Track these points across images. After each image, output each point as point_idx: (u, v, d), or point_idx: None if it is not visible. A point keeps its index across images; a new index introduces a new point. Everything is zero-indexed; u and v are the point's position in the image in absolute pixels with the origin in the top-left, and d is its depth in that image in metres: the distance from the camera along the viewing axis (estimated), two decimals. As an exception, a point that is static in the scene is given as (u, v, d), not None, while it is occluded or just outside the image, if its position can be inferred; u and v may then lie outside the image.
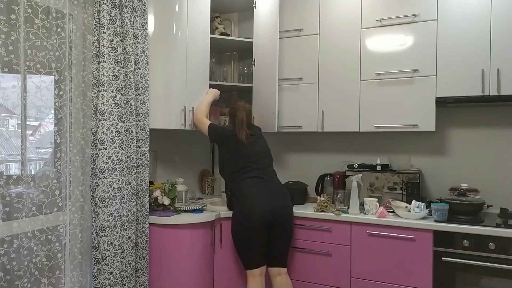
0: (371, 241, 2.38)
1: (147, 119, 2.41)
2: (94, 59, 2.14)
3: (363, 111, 2.67)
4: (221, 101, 3.36)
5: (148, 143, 2.42)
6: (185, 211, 2.55)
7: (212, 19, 3.15)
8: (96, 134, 2.13)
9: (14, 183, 1.83)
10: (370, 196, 2.59)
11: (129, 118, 2.30)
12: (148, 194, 2.43)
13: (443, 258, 2.19)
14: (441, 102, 2.47)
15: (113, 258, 2.17)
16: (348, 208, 2.50)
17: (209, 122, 2.65)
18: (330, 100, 2.78)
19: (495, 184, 2.60)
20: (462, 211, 2.29)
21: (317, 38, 2.82)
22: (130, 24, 2.27)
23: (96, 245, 2.13)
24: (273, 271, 2.39)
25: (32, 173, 1.94)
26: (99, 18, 2.13)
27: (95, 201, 2.13)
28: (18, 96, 1.85)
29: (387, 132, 2.86)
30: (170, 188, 2.62)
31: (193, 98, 2.71)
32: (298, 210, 2.59)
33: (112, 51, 2.17)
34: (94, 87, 2.14)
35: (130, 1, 2.28)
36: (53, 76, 2.00)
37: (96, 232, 2.13)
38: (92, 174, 2.14)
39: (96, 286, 2.13)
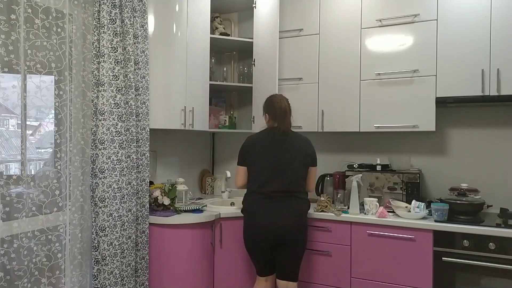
0: (371, 241, 2.38)
1: (147, 119, 2.41)
2: (94, 59, 2.14)
3: (363, 111, 2.67)
4: (221, 101, 3.37)
5: (148, 143, 2.42)
6: (185, 211, 2.55)
7: (212, 19, 3.15)
8: (96, 134, 2.13)
9: (14, 183, 1.83)
10: (370, 196, 2.59)
11: (129, 118, 2.30)
12: (148, 194, 2.43)
13: (443, 258, 2.19)
14: (441, 102, 2.47)
15: (113, 258, 2.17)
16: (348, 208, 2.50)
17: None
18: (330, 100, 2.78)
19: (495, 184, 2.60)
20: (462, 211, 2.29)
21: (317, 38, 2.82)
22: (130, 24, 2.27)
23: (96, 245, 2.13)
24: (281, 284, 2.32)
25: (32, 173, 1.94)
26: (99, 18, 2.13)
27: (95, 201, 2.13)
28: (18, 96, 1.85)
29: (387, 132, 2.86)
30: (170, 188, 2.62)
31: (193, 98, 2.71)
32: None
33: (112, 51, 2.17)
34: (94, 87, 2.14)
35: (130, 1, 2.28)
36: (53, 76, 2.00)
37: (96, 232, 2.13)
38: (92, 174, 2.14)
39: (96, 286, 2.13)
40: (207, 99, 2.85)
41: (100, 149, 2.13)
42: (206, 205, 2.70)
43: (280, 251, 2.28)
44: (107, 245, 2.14)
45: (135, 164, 2.32)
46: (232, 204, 2.99)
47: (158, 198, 2.54)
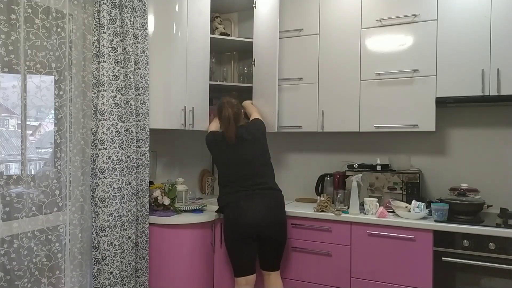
0: (371, 241, 2.38)
1: (147, 119, 2.41)
2: (94, 59, 2.14)
3: (363, 111, 2.67)
4: (221, 101, 3.36)
5: (148, 143, 2.42)
6: (185, 211, 2.55)
7: (212, 19, 3.15)
8: (96, 134, 2.13)
9: (14, 183, 1.83)
10: (370, 196, 2.59)
11: (129, 118, 2.30)
12: (148, 194, 2.43)
13: (443, 258, 2.19)
14: (441, 102, 2.47)
15: (113, 258, 2.17)
16: (348, 208, 2.50)
17: (210, 130, 2.59)
18: (330, 100, 2.78)
19: (495, 184, 2.60)
20: (462, 211, 2.29)
21: (317, 38, 2.82)
22: (130, 24, 2.27)
23: (96, 245, 2.13)
24: (264, 272, 2.43)
25: (32, 173, 1.94)
26: (99, 18, 2.13)
27: (95, 201, 2.13)
28: (18, 96, 1.85)
29: (387, 132, 2.86)
30: (170, 188, 2.62)
31: (193, 98, 2.71)
32: (298, 210, 2.59)
33: (112, 51, 2.17)
34: (94, 87, 2.14)
35: (130, 1, 2.28)
36: (53, 76, 2.00)
37: (96, 232, 2.13)
38: (92, 174, 2.14)
39: (96, 286, 2.13)
40: (207, 99, 2.85)
41: (100, 149, 2.13)
42: (206, 205, 2.70)
43: (262, 244, 2.34)
44: (107, 245, 2.14)
45: (135, 164, 2.32)
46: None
47: (158, 198, 2.54)
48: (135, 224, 2.31)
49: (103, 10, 2.13)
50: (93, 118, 2.15)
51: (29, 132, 1.92)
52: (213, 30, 3.14)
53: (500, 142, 2.60)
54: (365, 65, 2.66)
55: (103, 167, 2.13)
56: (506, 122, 2.59)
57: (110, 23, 2.16)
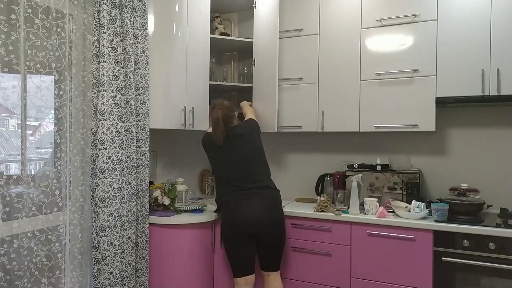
0: (371, 241, 2.38)
1: (147, 119, 2.41)
2: (94, 59, 2.14)
3: (363, 111, 2.67)
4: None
5: (148, 143, 2.42)
6: (185, 211, 2.55)
7: (212, 19, 3.15)
8: (96, 134, 2.13)
9: (14, 183, 1.83)
10: (370, 196, 2.59)
11: (129, 118, 2.30)
12: (148, 194, 2.43)
13: (443, 258, 2.19)
14: (441, 102, 2.47)
15: (113, 258, 2.17)
16: (348, 208, 2.50)
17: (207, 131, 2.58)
18: (330, 100, 2.78)
19: (495, 184, 2.60)
20: (462, 211, 2.29)
21: (317, 38, 2.82)
22: (130, 24, 2.27)
23: (96, 245, 2.13)
24: (263, 272, 2.42)
25: (32, 173, 1.94)
26: (99, 18, 2.13)
27: (95, 201, 2.13)
28: (18, 96, 1.85)
29: (387, 132, 2.86)
30: (170, 188, 2.63)
31: (193, 98, 2.71)
32: (298, 210, 2.59)
33: (112, 51, 2.17)
34: (94, 87, 2.14)
35: (130, 1, 2.28)
36: (53, 76, 2.00)
37: (96, 232, 2.13)
38: (92, 174, 2.14)
39: (96, 286, 2.13)
40: (207, 99, 2.85)
41: (100, 149, 2.13)
42: (206, 205, 2.70)
43: (260, 244, 2.33)
44: (107, 245, 2.14)
45: (135, 164, 2.33)
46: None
47: (158, 198, 2.54)
48: (135, 224, 2.31)
49: (103, 10, 2.13)
50: (93, 118, 2.15)
51: (29, 132, 1.92)
52: (213, 30, 3.14)
53: (500, 142, 2.60)
54: (365, 65, 2.66)
55: (103, 167, 2.13)
56: (506, 122, 2.59)
57: (110, 23, 2.16)
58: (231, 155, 2.38)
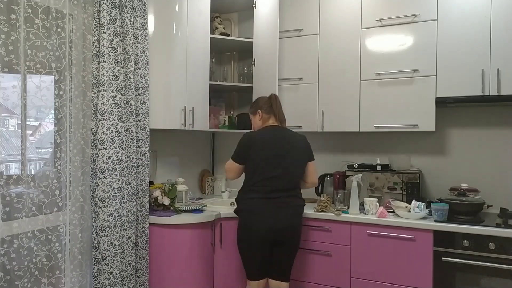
0: (371, 241, 2.38)
1: (147, 119, 2.41)
2: (94, 59, 2.14)
3: (363, 111, 2.67)
4: (220, 101, 3.37)
5: (148, 143, 2.42)
6: (185, 211, 2.55)
7: (212, 19, 3.15)
8: (96, 134, 2.13)
9: (14, 183, 1.83)
10: (370, 196, 2.59)
11: (129, 118, 2.30)
12: (148, 194, 2.43)
13: (443, 258, 2.19)
14: (441, 102, 2.47)
15: (113, 258, 2.17)
16: (348, 208, 2.50)
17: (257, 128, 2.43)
18: (330, 100, 2.78)
19: (495, 184, 2.60)
20: (462, 211, 2.29)
21: (317, 38, 2.82)
22: (130, 24, 2.27)
23: (96, 245, 2.13)
24: (271, 284, 2.34)
25: (32, 173, 1.94)
26: (99, 18, 2.13)
27: (95, 201, 2.13)
28: (18, 96, 1.85)
29: (387, 132, 2.86)
30: (170, 188, 2.62)
31: (193, 98, 2.71)
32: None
33: (112, 51, 2.17)
34: (94, 87, 2.14)
35: (130, 1, 2.28)
36: (53, 76, 2.00)
37: (96, 232, 2.13)
38: (92, 174, 2.14)
39: (96, 286, 2.13)
40: (207, 99, 2.85)
41: (100, 149, 2.13)
42: (206, 205, 2.70)
43: (277, 251, 2.28)
44: (107, 245, 2.14)
45: (135, 164, 2.32)
46: (232, 204, 2.99)
47: (158, 198, 2.54)
48: (135, 224, 2.31)
49: (103, 10, 2.13)
50: (93, 118, 2.15)
51: (29, 132, 1.92)
52: (213, 30, 3.14)
53: (500, 142, 2.60)
54: (365, 65, 2.66)
55: (103, 167, 2.13)
56: (506, 122, 2.59)
57: (110, 23, 2.16)
58: (276, 157, 2.26)
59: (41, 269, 1.93)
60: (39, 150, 2.03)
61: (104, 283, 2.13)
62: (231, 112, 3.44)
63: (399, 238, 2.31)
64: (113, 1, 2.17)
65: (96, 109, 2.14)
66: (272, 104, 2.38)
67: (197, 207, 2.59)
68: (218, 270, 2.58)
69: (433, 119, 2.48)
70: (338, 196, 2.57)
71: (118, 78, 2.20)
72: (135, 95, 2.34)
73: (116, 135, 2.20)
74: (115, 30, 2.18)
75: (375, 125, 2.63)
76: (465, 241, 2.16)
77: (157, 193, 2.55)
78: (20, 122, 1.86)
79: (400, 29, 2.57)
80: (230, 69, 3.40)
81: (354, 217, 2.42)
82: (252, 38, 2.98)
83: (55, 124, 2.04)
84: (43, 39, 1.92)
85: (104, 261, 2.13)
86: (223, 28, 3.21)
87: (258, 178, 2.25)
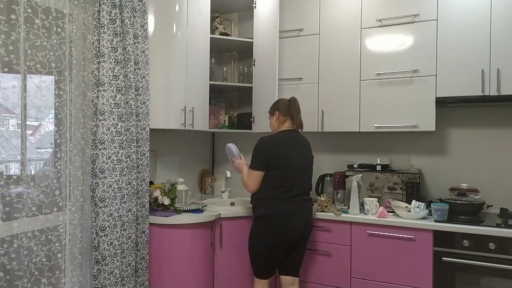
0: (371, 241, 2.38)
1: (147, 119, 2.41)
2: (94, 59, 2.14)
3: (363, 111, 2.67)
4: (220, 101, 3.37)
5: (148, 143, 2.42)
6: (185, 211, 2.55)
7: (212, 19, 3.15)
8: (96, 134, 2.13)
9: (14, 183, 1.83)
10: (370, 196, 2.59)
11: (129, 118, 2.30)
12: (148, 194, 2.43)
13: (443, 258, 2.19)
14: (441, 102, 2.47)
15: (113, 258, 2.17)
16: (348, 208, 2.50)
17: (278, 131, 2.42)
18: (330, 100, 2.78)
19: (495, 184, 2.60)
20: (462, 211, 2.29)
21: (317, 38, 2.82)
22: (130, 24, 2.27)
23: (96, 245, 2.13)
24: (286, 280, 2.37)
25: (32, 173, 1.94)
26: (99, 18, 2.13)
27: (95, 201, 2.13)
28: (18, 96, 1.84)
29: (387, 132, 2.86)
30: (170, 188, 2.62)
31: (193, 98, 2.71)
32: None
33: (112, 51, 2.17)
34: (94, 87, 2.14)
35: (130, 1, 2.28)
36: (53, 76, 2.00)
37: (96, 232, 2.13)
38: (92, 174, 2.14)
39: (96, 286, 2.13)
40: (207, 99, 2.85)
41: (100, 149, 2.13)
42: (206, 205, 2.70)
43: (294, 249, 2.32)
44: (107, 245, 2.14)
45: (135, 164, 2.32)
46: (232, 204, 2.99)
47: (158, 198, 2.54)
48: (135, 224, 2.31)
49: (103, 10, 2.13)
50: (93, 118, 2.15)
51: (29, 132, 1.92)
52: (213, 30, 3.14)
53: (500, 142, 2.60)
54: (365, 65, 2.66)
55: (103, 167, 2.13)
56: (506, 122, 2.59)
57: (110, 23, 2.16)
58: (298, 160, 2.30)
59: (41, 269, 1.93)
60: (39, 150, 2.03)
61: (104, 283, 2.13)
62: (231, 112, 3.44)
63: (399, 238, 2.31)
64: (113, 1, 2.17)
65: (96, 109, 2.14)
66: (290, 106, 2.40)
67: (197, 207, 2.59)
68: (218, 270, 2.58)
69: (433, 119, 2.48)
70: (338, 196, 2.57)
71: (118, 78, 2.20)
72: (135, 95, 2.34)
73: (116, 135, 2.20)
74: (115, 30, 2.18)
75: (375, 125, 2.63)
76: (465, 241, 2.16)
77: (157, 193, 2.55)
78: (20, 122, 1.86)
79: (400, 29, 2.57)
80: (230, 69, 3.40)
81: (354, 217, 2.42)
82: (252, 38, 2.98)
83: (55, 124, 2.04)
84: (43, 39, 1.92)
85: (104, 261, 2.13)
86: (223, 28, 3.21)
87: (281, 182, 2.25)
